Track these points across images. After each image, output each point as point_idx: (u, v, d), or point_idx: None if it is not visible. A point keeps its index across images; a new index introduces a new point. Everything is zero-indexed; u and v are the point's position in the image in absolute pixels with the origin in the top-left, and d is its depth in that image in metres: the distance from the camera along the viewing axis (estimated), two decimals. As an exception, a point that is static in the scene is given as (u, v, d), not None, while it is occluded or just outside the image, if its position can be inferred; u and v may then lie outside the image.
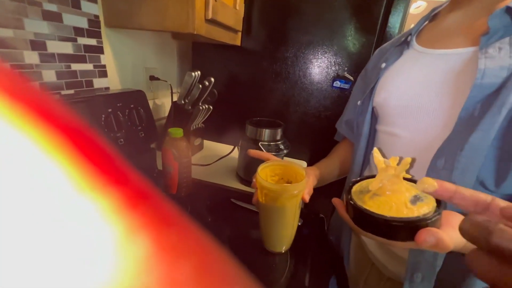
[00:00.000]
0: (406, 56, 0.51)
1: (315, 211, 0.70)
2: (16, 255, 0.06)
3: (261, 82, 1.00)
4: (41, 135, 0.07)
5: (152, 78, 0.91)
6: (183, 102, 0.88)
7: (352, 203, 0.32)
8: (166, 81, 0.95)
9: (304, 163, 1.05)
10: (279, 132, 0.78)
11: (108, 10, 0.67)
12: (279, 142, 0.78)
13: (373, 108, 0.55)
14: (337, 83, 0.92)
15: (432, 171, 0.41)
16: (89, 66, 0.68)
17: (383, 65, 0.53)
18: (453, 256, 0.38)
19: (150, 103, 0.91)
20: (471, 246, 0.30)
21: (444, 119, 0.41)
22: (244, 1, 0.87)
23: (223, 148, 1.07)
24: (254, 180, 0.49)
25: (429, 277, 0.41)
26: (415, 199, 0.29)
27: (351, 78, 0.89)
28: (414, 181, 0.33)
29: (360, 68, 0.68)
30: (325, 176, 0.63)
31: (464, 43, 0.41)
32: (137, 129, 0.71)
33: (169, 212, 0.09)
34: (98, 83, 0.71)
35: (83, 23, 0.63)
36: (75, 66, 0.64)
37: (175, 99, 0.91)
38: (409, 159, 0.30)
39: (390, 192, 0.31)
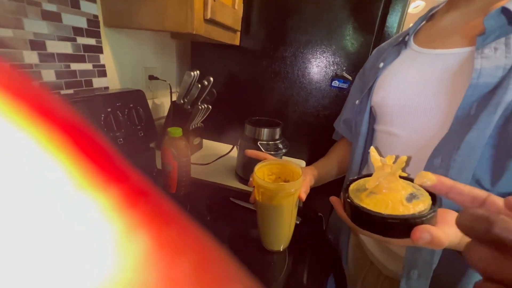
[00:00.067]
0: (404, 55, 0.51)
1: (314, 210, 0.70)
2: (16, 252, 0.06)
3: (260, 82, 1.00)
4: (41, 134, 0.07)
5: (151, 77, 0.91)
6: (182, 101, 0.88)
7: (349, 201, 0.32)
8: (165, 81, 0.95)
9: (302, 162, 1.05)
10: (277, 131, 0.78)
11: (107, 10, 0.67)
12: (278, 141, 0.78)
13: (371, 108, 0.55)
14: (336, 83, 0.92)
15: (428, 170, 0.41)
16: (88, 66, 0.68)
17: (381, 64, 0.53)
18: (449, 254, 0.38)
19: (149, 102, 0.91)
20: (466, 242, 0.31)
21: (441, 118, 0.42)
22: (242, 1, 0.88)
23: (222, 147, 1.07)
24: (251, 179, 0.49)
25: (426, 274, 0.41)
26: (411, 197, 0.30)
27: (350, 77, 0.90)
28: (411, 180, 0.33)
29: (358, 67, 0.68)
30: (323, 176, 0.63)
31: (460, 43, 0.42)
32: (137, 128, 0.71)
33: (168, 211, 0.09)
34: (98, 82, 0.71)
35: (82, 23, 0.64)
36: (75, 66, 0.64)
37: (174, 98, 0.91)
38: (404, 158, 0.31)
39: (387, 190, 0.31)
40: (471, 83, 0.37)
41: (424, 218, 0.28)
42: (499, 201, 0.22)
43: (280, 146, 0.78)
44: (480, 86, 0.37)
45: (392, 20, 0.82)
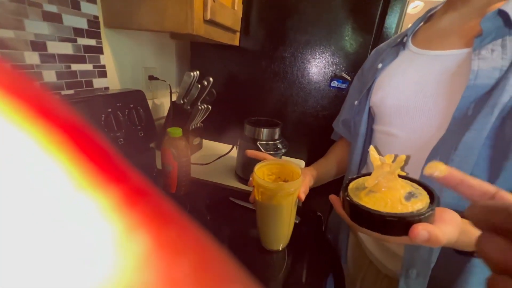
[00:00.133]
0: (402, 56, 0.51)
1: (313, 209, 0.70)
2: (16, 253, 0.06)
3: (259, 82, 1.01)
4: (42, 134, 0.07)
5: (151, 78, 0.91)
6: (182, 101, 0.88)
7: (349, 199, 0.33)
8: (165, 81, 0.96)
9: (302, 162, 1.06)
10: (277, 131, 0.78)
11: (107, 10, 0.68)
12: (277, 141, 0.78)
13: (369, 108, 0.56)
14: (335, 83, 0.92)
15: None
16: (88, 66, 0.68)
17: (380, 65, 0.54)
18: (447, 253, 0.39)
19: (149, 103, 0.92)
20: (464, 241, 0.31)
21: (439, 118, 0.42)
22: (242, 2, 0.88)
23: (222, 147, 1.07)
24: (251, 178, 0.49)
25: (424, 273, 0.41)
26: (409, 196, 0.30)
27: (349, 78, 0.90)
28: (409, 179, 0.34)
29: (357, 68, 0.69)
30: (322, 176, 0.64)
31: (458, 45, 0.42)
32: (137, 128, 0.71)
33: (168, 211, 0.09)
34: (98, 83, 0.72)
35: (82, 24, 0.64)
36: (75, 67, 0.64)
37: (174, 98, 0.91)
38: (403, 157, 0.31)
39: (385, 189, 0.31)
40: (468, 84, 0.37)
41: (422, 217, 0.28)
42: (509, 196, 0.22)
43: (280, 146, 0.78)
44: (477, 87, 0.37)
45: (391, 21, 0.82)
